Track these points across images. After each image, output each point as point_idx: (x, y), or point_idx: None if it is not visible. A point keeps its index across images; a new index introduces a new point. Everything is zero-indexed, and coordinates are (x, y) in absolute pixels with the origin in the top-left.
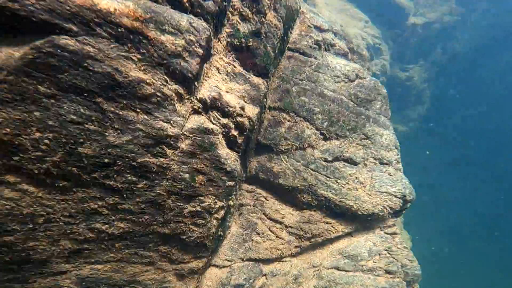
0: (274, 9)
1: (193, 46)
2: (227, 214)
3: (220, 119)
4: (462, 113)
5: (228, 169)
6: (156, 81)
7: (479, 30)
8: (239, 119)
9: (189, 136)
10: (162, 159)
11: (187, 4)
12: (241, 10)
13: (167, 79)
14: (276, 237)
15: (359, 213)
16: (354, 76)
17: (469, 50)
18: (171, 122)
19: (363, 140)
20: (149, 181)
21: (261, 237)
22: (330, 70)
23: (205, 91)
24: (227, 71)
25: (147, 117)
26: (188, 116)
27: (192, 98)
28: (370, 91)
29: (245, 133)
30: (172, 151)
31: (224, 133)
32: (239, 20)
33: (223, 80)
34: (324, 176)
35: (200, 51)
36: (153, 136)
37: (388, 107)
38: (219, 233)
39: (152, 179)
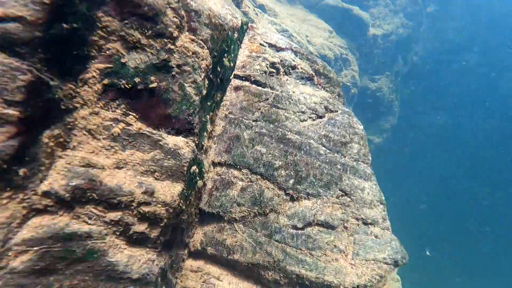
0: (190, 29)
1: None
2: None
3: (104, 215)
4: (429, 120)
5: (135, 276)
6: None
7: (428, 43)
8: (145, 209)
9: (27, 250)
10: None
11: None
12: (124, 33)
13: None
14: None
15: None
16: (323, 110)
17: (424, 60)
18: None
19: (340, 197)
20: None
21: None
22: (293, 104)
23: (58, 177)
24: (113, 134)
25: None
26: (20, 221)
27: (20, 194)
28: (345, 130)
29: (162, 224)
30: None
31: (119, 232)
32: (122, 49)
33: (106, 149)
34: (294, 249)
35: (12, 113)
36: None
37: (367, 150)
38: None
39: None
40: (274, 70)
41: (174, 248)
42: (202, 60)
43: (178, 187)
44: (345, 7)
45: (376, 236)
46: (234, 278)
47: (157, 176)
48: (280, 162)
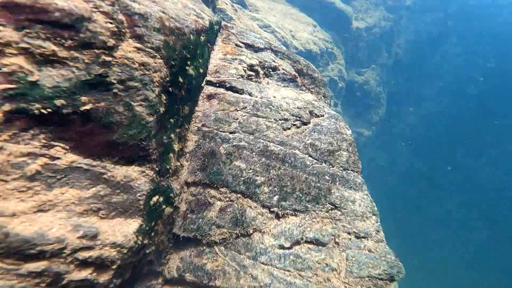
0: (134, 36)
1: None
2: None
3: (17, 268)
4: (414, 112)
5: None
6: None
7: (409, 35)
8: (85, 254)
9: None
10: None
11: None
12: (27, 44)
13: None
14: None
15: None
16: (308, 115)
17: (407, 52)
18: None
19: (330, 211)
20: None
21: None
22: (275, 111)
23: None
24: (29, 172)
25: None
26: None
27: None
28: (332, 137)
29: (114, 267)
30: None
31: (45, 284)
32: (28, 64)
33: (19, 192)
34: (282, 271)
35: None
36: None
37: (357, 157)
38: None
39: None
40: (252, 73)
41: (140, 282)
42: (155, 72)
43: (133, 224)
44: (327, 1)
45: (369, 250)
46: None
47: (103, 214)
48: (262, 178)
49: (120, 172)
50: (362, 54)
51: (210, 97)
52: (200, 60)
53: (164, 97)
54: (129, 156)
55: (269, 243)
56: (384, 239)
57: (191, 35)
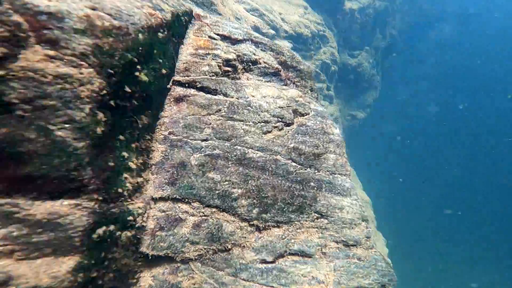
0: (46, 41)
1: None
2: None
3: None
4: (408, 93)
5: None
6: None
7: (405, 15)
8: None
9: None
10: None
11: None
12: None
13: None
14: None
15: None
16: (291, 115)
17: (402, 33)
18: None
19: (316, 220)
20: None
21: None
22: (253, 113)
23: None
24: None
25: None
26: None
27: None
28: (318, 138)
29: None
30: None
31: None
32: None
33: None
34: (265, 287)
35: None
36: None
37: (345, 159)
38: None
39: None
40: (229, 69)
41: None
42: (82, 85)
43: (68, 263)
44: None
45: (359, 259)
46: None
47: (20, 256)
48: (240, 190)
49: (40, 209)
50: (355, 36)
51: (178, 100)
52: (161, 60)
53: (102, 115)
54: (54, 190)
55: (250, 258)
56: (373, 245)
57: (140, 34)
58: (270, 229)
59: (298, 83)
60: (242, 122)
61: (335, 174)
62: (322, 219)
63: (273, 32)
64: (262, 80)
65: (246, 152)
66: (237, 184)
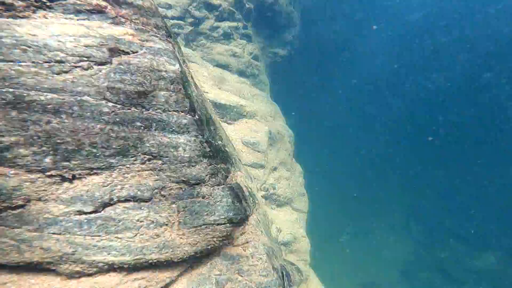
0: None
1: None
2: None
3: None
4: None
5: None
6: None
7: None
8: None
9: None
10: None
11: None
12: None
13: None
14: None
15: (175, 260)
16: (104, 54)
17: None
18: None
19: (148, 162)
20: None
21: None
22: (34, 52)
23: None
24: None
25: None
26: None
27: None
28: (144, 76)
29: None
30: None
31: None
32: None
33: None
34: (88, 237)
35: None
36: None
37: (182, 95)
38: None
39: None
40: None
41: None
42: None
43: None
44: None
45: (203, 197)
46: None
47: None
48: (14, 138)
49: None
50: None
51: None
52: None
53: None
54: None
55: (59, 211)
56: (221, 182)
57: None
58: (84, 177)
59: (137, 21)
60: (11, 63)
61: (168, 111)
62: (155, 160)
63: None
64: (73, 19)
65: (24, 94)
66: (7, 132)
